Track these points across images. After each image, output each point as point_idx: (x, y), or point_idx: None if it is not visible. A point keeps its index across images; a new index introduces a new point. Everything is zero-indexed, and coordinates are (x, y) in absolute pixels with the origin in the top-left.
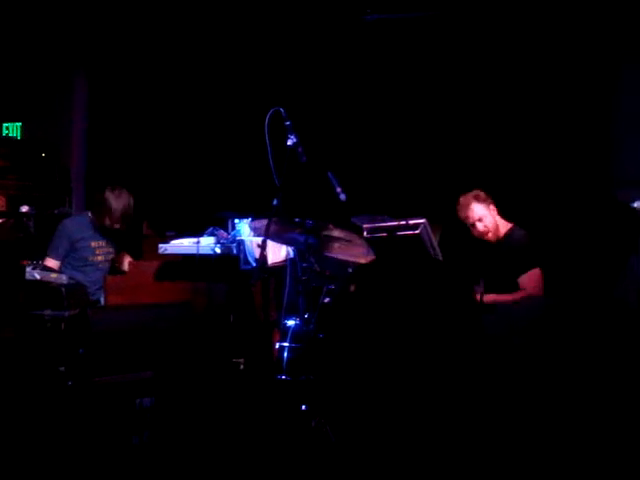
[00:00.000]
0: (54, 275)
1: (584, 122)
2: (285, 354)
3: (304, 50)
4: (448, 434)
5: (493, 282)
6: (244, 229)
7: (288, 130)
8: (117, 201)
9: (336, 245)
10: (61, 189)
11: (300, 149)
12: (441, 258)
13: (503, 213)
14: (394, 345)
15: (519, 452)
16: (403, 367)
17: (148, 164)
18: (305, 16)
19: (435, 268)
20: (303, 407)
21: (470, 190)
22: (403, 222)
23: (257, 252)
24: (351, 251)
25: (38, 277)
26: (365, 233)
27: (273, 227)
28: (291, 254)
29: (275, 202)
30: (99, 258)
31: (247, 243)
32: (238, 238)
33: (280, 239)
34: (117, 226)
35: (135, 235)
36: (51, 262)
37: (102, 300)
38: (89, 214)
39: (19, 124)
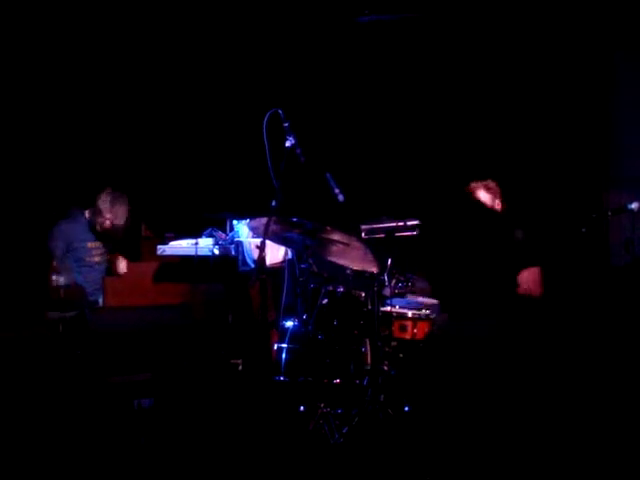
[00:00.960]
0: (53, 277)
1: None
2: (283, 355)
3: (302, 51)
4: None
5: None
6: (242, 230)
7: (286, 131)
8: (111, 205)
9: (334, 248)
10: None
11: (298, 150)
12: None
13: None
14: None
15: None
16: None
17: (146, 165)
18: (302, 17)
19: None
20: (301, 408)
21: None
22: (401, 223)
23: (255, 253)
24: (349, 254)
25: None
26: (363, 234)
27: (272, 228)
28: (289, 255)
29: (273, 203)
30: (96, 259)
31: (245, 244)
32: (236, 239)
33: (278, 240)
34: (106, 228)
35: (133, 236)
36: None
37: (100, 301)
38: (86, 215)
39: None
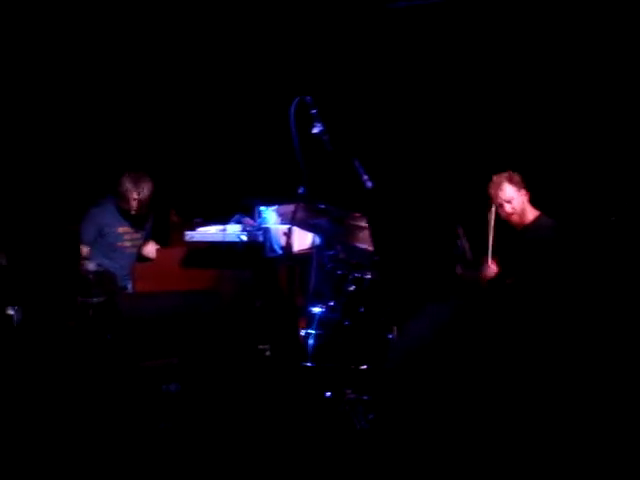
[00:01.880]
0: (82, 262)
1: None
2: (310, 341)
3: (332, 37)
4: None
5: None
6: (270, 216)
7: (314, 118)
8: (134, 186)
9: (361, 234)
10: None
11: (326, 137)
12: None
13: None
14: None
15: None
16: None
17: (175, 151)
18: (333, 3)
19: None
20: (327, 394)
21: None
22: None
23: (283, 240)
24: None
25: None
26: None
27: (299, 215)
28: (317, 242)
29: (301, 190)
30: (126, 244)
31: (273, 231)
32: (264, 225)
33: (306, 227)
34: (134, 212)
35: (162, 222)
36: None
37: (129, 287)
38: (116, 200)
39: None
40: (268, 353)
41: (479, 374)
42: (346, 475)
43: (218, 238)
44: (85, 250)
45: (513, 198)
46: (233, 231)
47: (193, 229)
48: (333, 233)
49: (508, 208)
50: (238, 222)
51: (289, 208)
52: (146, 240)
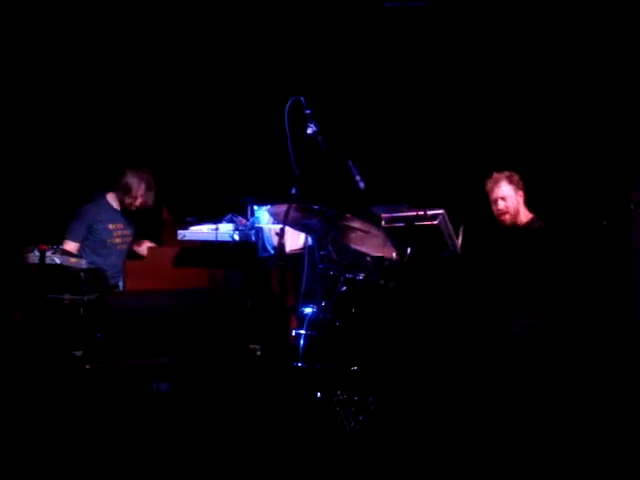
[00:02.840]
0: (73, 259)
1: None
2: (301, 341)
3: (326, 37)
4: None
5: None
6: (263, 216)
7: (308, 119)
8: (146, 188)
9: (353, 235)
10: None
11: (320, 138)
12: (459, 249)
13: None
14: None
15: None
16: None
17: (168, 149)
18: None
19: None
20: (318, 395)
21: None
22: (422, 212)
23: (275, 239)
24: (368, 242)
25: (58, 261)
26: (383, 223)
27: (292, 215)
28: (309, 242)
29: (294, 190)
30: (117, 240)
31: (266, 230)
32: (257, 225)
33: (299, 227)
34: (135, 208)
35: (155, 220)
36: (69, 245)
37: (121, 285)
38: (107, 197)
39: None
40: (259, 353)
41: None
42: (336, 476)
43: (210, 237)
44: (73, 246)
45: (508, 197)
46: (226, 230)
47: (185, 228)
48: (325, 233)
49: (501, 205)
50: (231, 221)
51: (282, 208)
52: (139, 238)
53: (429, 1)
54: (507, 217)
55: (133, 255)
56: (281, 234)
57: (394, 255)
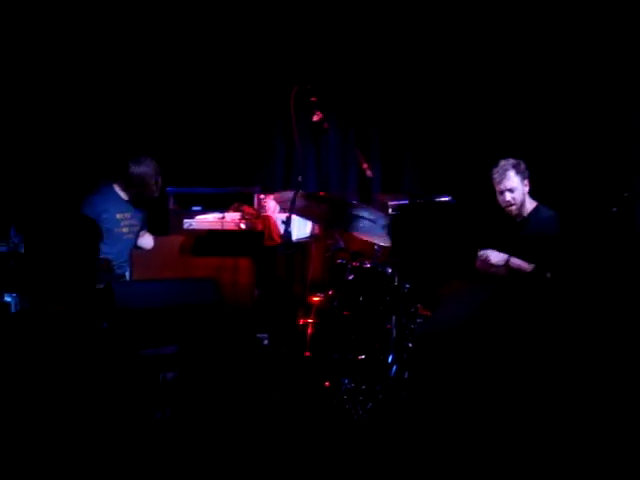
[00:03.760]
0: None
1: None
2: (309, 330)
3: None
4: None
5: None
6: (270, 205)
7: (314, 106)
8: (143, 169)
9: (360, 224)
10: None
11: (326, 125)
12: None
13: None
14: None
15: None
16: None
17: (174, 139)
18: None
19: None
20: (326, 384)
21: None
22: (429, 199)
23: (282, 228)
24: (374, 231)
25: None
26: (390, 210)
27: (298, 203)
28: (316, 230)
29: (300, 178)
30: (124, 230)
31: (273, 219)
32: (263, 214)
33: (305, 215)
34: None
35: (161, 210)
36: None
37: (128, 274)
38: (114, 187)
39: None
40: (266, 342)
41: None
42: (344, 465)
43: (217, 226)
44: None
45: (516, 188)
46: (232, 219)
47: (192, 217)
48: (332, 222)
49: (509, 197)
50: (237, 210)
51: (288, 196)
52: (142, 230)
53: None
54: (513, 208)
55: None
56: (287, 222)
57: None
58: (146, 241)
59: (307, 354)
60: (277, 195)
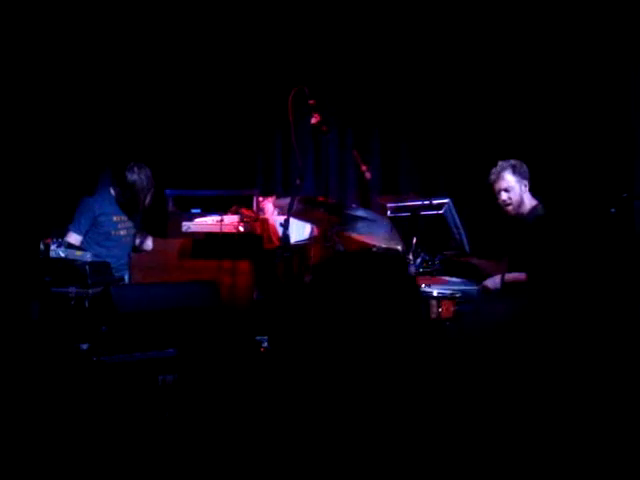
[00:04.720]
0: (79, 252)
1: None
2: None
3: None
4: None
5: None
6: (268, 208)
7: (312, 108)
8: (134, 178)
9: (359, 225)
10: None
11: (324, 127)
12: (466, 238)
13: None
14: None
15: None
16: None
17: (173, 141)
18: None
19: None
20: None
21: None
22: (427, 202)
23: (280, 231)
24: (374, 231)
25: (63, 255)
26: (389, 212)
27: (296, 206)
28: (315, 233)
29: (298, 181)
30: (121, 232)
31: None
32: (262, 216)
33: (304, 218)
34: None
35: (159, 212)
36: (73, 237)
37: (127, 278)
38: (111, 190)
39: None
40: (266, 344)
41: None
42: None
43: (216, 229)
44: (77, 238)
45: (512, 188)
46: (231, 222)
47: (190, 220)
48: (330, 224)
49: (504, 197)
50: (236, 213)
51: (286, 200)
52: (141, 232)
53: None
54: (510, 208)
55: (137, 249)
56: (285, 225)
57: (400, 247)
58: (147, 244)
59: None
60: (275, 201)
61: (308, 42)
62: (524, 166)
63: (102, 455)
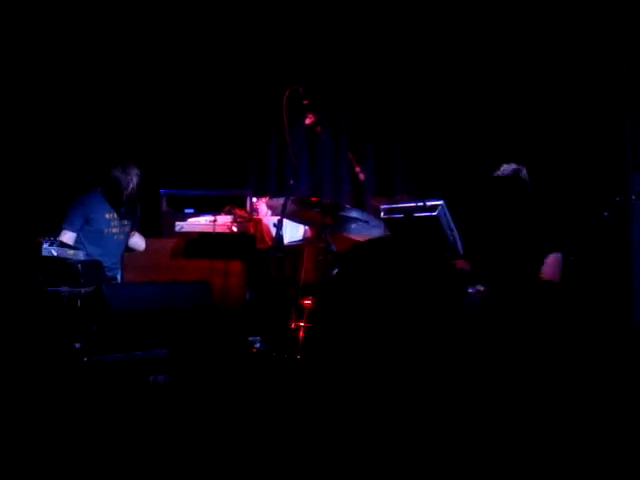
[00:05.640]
0: (71, 251)
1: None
2: (301, 333)
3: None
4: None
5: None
6: (262, 208)
7: (306, 109)
8: (117, 174)
9: (353, 226)
10: None
11: (318, 128)
12: (459, 240)
13: None
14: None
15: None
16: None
17: (166, 141)
18: None
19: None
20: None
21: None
22: (421, 203)
23: (274, 231)
24: (368, 232)
25: (55, 254)
26: (382, 214)
27: (289, 207)
28: (308, 234)
29: (292, 182)
30: (114, 230)
31: (265, 222)
32: (255, 217)
33: (297, 219)
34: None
35: (153, 212)
36: (67, 235)
37: (119, 277)
38: (99, 189)
39: None
40: (258, 345)
41: None
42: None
43: (209, 229)
44: (71, 236)
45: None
46: (224, 222)
47: (184, 220)
48: (324, 225)
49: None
50: (229, 213)
51: (280, 200)
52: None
53: None
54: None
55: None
56: (279, 226)
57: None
58: (137, 242)
59: (299, 357)
60: (269, 201)
61: (303, 43)
62: (525, 171)
63: (93, 453)
